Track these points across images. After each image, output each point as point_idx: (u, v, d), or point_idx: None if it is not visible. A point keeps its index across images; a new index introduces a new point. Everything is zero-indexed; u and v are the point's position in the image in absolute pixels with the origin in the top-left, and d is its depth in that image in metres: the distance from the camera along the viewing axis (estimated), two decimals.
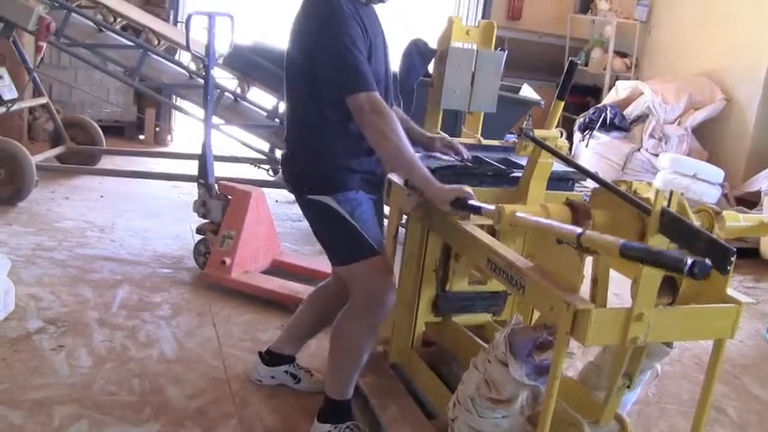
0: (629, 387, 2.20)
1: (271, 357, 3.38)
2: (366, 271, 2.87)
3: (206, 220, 4.60)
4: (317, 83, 2.69)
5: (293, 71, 2.80)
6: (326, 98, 2.71)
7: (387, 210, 3.18)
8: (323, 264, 4.11)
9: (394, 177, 3.14)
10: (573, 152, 7.93)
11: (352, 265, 2.89)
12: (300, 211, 3.01)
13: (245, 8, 7.94)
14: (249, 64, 5.62)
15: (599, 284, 1.98)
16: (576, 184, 3.05)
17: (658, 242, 1.90)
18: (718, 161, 7.31)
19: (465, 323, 3.26)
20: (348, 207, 2.82)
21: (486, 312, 3.28)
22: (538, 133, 2.64)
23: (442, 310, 3.15)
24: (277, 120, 5.65)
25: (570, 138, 8.06)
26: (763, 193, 6.33)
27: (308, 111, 2.81)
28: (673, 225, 1.83)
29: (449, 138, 3.12)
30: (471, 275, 3.12)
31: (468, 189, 2.51)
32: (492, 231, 2.61)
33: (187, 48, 4.74)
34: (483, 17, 8.89)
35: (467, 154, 3.02)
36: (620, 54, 9.01)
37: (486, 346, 2.49)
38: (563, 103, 2.96)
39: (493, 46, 3.31)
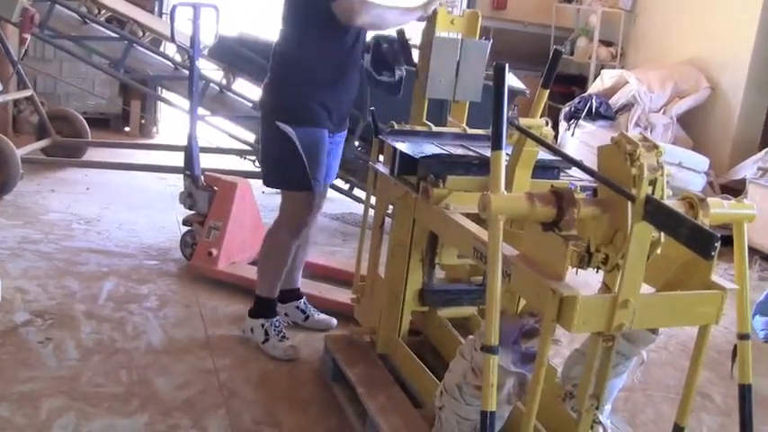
0: (597, 408, 2.21)
1: (281, 295, 3.75)
2: (295, 200, 3.45)
3: (192, 212, 4.60)
4: (307, 6, 3.24)
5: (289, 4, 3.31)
6: (318, 14, 3.18)
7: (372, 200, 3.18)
8: (310, 254, 4.11)
9: (380, 167, 3.15)
10: (558, 141, 7.94)
11: (284, 191, 3.49)
12: None
13: None
14: (234, 55, 5.60)
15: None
16: (562, 173, 3.06)
17: (643, 229, 1.91)
18: (703, 149, 7.33)
19: (450, 316, 3.27)
20: (305, 143, 3.30)
21: (472, 306, 3.29)
22: (523, 122, 2.64)
23: (428, 303, 3.16)
24: None
25: (556, 127, 8.06)
26: (747, 181, 6.35)
27: (293, 38, 3.31)
28: (657, 212, 1.84)
29: None
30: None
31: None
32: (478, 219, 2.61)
33: (172, 39, 4.74)
34: (468, 7, 8.87)
35: None
36: (606, 43, 9.00)
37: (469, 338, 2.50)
38: (548, 92, 2.97)
39: (478, 35, 3.31)
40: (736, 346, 2.27)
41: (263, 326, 3.59)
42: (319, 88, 3.33)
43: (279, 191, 3.61)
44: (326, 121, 3.38)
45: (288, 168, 3.36)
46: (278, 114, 3.32)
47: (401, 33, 3.36)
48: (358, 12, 3.16)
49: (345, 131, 3.65)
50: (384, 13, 3.24)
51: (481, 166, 2.74)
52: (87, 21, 5.97)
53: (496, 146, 2.07)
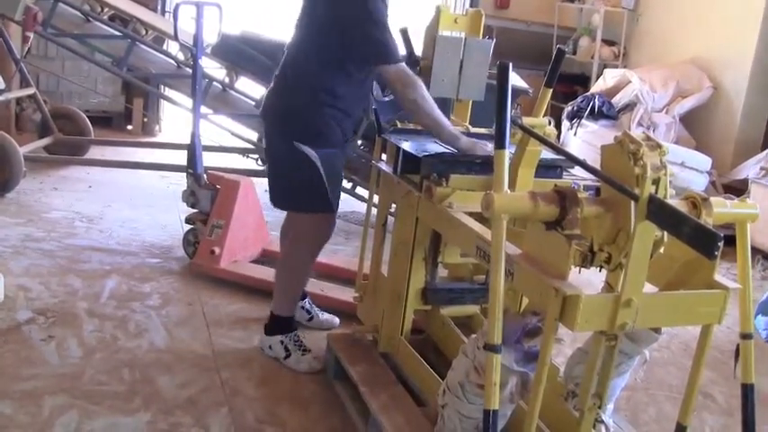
0: (599, 407, 2.21)
1: None
2: (315, 221, 3.36)
3: (195, 210, 4.59)
4: (344, 40, 3.03)
5: (315, 14, 3.12)
6: (352, 57, 3.07)
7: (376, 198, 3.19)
8: None
9: (383, 166, 3.14)
10: (561, 140, 7.94)
11: (302, 213, 3.40)
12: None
13: None
14: (237, 54, 5.59)
15: None
16: (565, 172, 3.06)
17: (646, 229, 1.91)
18: (705, 149, 7.33)
19: (453, 314, 3.27)
20: (326, 166, 3.19)
21: (475, 304, 3.29)
22: (526, 121, 2.64)
23: (431, 302, 3.16)
24: None
25: (558, 126, 8.06)
26: (750, 181, 6.35)
27: (330, 69, 3.12)
28: (660, 211, 1.84)
29: None
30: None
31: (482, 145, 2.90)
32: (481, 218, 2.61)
33: (175, 37, 4.74)
34: (471, 6, 8.87)
35: None
36: (608, 42, 9.00)
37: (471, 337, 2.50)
38: (551, 91, 2.97)
39: (481, 34, 3.31)
40: (738, 346, 2.27)
41: (282, 342, 3.48)
42: (346, 116, 3.24)
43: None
44: (342, 141, 3.31)
45: (310, 191, 3.25)
46: (299, 134, 3.18)
47: (404, 31, 3.36)
48: (411, 89, 2.96)
49: None
50: (434, 108, 2.97)
51: (484, 166, 2.74)
52: (90, 19, 5.97)
53: (499, 145, 2.07)
